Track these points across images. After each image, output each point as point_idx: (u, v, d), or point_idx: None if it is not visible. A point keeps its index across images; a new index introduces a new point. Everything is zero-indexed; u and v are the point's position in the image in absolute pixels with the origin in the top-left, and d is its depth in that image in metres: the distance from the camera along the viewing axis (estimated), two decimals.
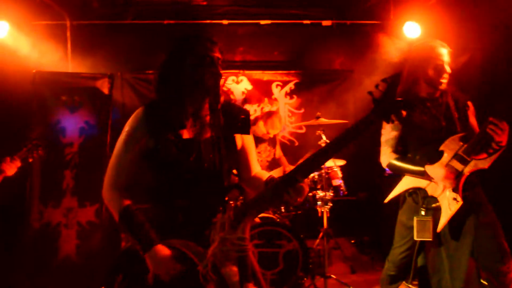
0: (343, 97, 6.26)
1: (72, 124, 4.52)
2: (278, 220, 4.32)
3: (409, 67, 2.87)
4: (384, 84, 1.59)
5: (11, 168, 3.41)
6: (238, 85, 6.32)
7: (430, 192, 2.80)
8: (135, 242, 1.93)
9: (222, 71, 2.00)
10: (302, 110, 6.39)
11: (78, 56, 5.62)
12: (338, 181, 4.70)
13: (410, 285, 3.09)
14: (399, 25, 5.49)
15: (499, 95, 4.36)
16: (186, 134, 2.00)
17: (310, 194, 4.61)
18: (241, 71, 6.32)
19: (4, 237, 4.49)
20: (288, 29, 6.24)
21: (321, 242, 4.76)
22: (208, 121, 1.99)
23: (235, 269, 1.85)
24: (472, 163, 2.71)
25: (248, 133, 2.12)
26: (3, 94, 4.87)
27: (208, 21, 6.03)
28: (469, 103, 2.91)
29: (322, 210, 4.55)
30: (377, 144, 3.04)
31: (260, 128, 4.93)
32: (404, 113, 1.59)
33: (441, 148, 2.78)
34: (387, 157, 2.93)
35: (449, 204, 2.70)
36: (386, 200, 2.98)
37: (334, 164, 4.77)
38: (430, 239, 2.75)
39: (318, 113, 4.57)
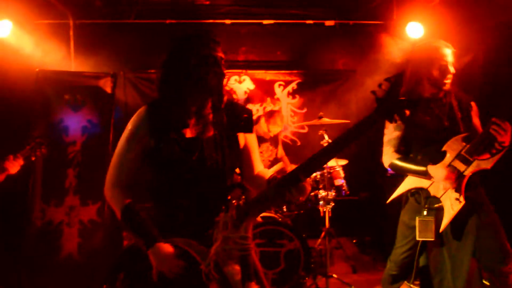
0: (346, 97, 6.27)
1: (75, 123, 4.52)
2: (280, 219, 4.33)
3: (413, 68, 2.87)
4: (387, 84, 1.58)
5: (14, 166, 3.42)
6: (240, 84, 6.33)
7: (432, 192, 2.80)
8: (138, 239, 1.93)
9: (225, 71, 2.01)
10: (305, 110, 6.40)
11: (81, 55, 5.64)
12: (340, 181, 4.71)
13: (411, 285, 3.09)
14: (402, 26, 5.48)
15: (501, 96, 4.36)
16: (189, 133, 2.00)
17: (312, 193, 4.61)
18: (244, 71, 6.33)
19: (6, 235, 4.50)
20: (291, 29, 6.24)
21: (323, 242, 4.76)
22: (211, 120, 2.00)
23: (237, 268, 1.85)
24: (475, 164, 2.71)
25: (251, 131, 2.12)
26: (6, 92, 4.88)
27: (210, 21, 6.03)
28: (473, 103, 2.91)
29: (324, 209, 4.56)
30: (380, 144, 3.04)
31: (262, 126, 4.94)
32: (407, 112, 1.59)
33: (444, 148, 2.77)
34: (389, 157, 2.93)
35: (451, 204, 2.70)
36: (389, 200, 2.98)
37: (336, 164, 4.77)
38: (432, 239, 2.75)
39: (321, 113, 4.57)
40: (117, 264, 2.02)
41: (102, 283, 2.00)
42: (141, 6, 5.92)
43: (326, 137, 4.56)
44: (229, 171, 1.92)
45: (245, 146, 2.13)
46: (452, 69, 2.81)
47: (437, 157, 2.77)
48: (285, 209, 4.65)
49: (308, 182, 1.78)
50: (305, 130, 6.39)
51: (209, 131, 2.00)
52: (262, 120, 4.99)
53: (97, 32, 5.86)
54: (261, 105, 6.33)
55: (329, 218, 4.63)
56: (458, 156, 2.72)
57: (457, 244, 2.77)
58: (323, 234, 4.75)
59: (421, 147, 2.88)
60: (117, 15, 5.93)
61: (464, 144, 2.74)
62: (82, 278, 4.19)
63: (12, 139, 4.15)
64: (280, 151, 5.21)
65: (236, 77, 6.33)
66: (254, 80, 6.35)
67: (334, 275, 4.32)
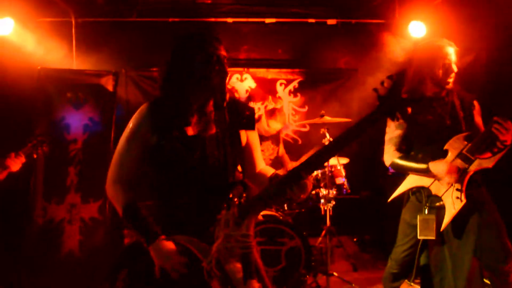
0: (347, 96, 6.26)
1: (76, 120, 4.52)
2: (281, 217, 4.33)
3: (416, 66, 2.86)
4: (389, 81, 1.58)
5: (16, 164, 3.42)
6: (242, 83, 6.33)
7: (434, 191, 2.80)
8: (139, 236, 1.93)
9: (228, 70, 2.01)
10: (306, 109, 6.39)
11: (83, 53, 5.64)
12: (341, 180, 4.71)
13: (412, 284, 3.09)
14: (404, 24, 5.47)
15: (504, 95, 4.35)
16: (190, 131, 2.00)
17: (313, 192, 4.61)
18: (245, 69, 6.32)
19: (7, 233, 4.51)
20: (293, 28, 6.23)
21: (323, 240, 4.76)
22: (213, 118, 1.99)
23: (239, 265, 1.85)
24: (476, 162, 2.71)
25: (253, 128, 2.12)
26: (8, 90, 4.89)
27: (212, 19, 6.03)
28: (475, 102, 2.90)
29: (325, 208, 4.56)
30: (381, 143, 3.04)
31: (263, 124, 4.94)
32: (409, 110, 1.59)
33: (446, 147, 2.77)
34: (390, 156, 2.93)
35: (452, 203, 2.70)
36: (390, 199, 2.98)
37: (338, 162, 4.77)
38: (433, 238, 2.75)
39: (322, 111, 4.56)
40: (119, 262, 2.02)
41: (103, 281, 2.01)
42: (143, 4, 5.92)
43: (327, 135, 4.56)
44: (231, 168, 1.92)
45: (247, 143, 2.13)
46: (455, 68, 2.81)
47: (439, 156, 2.77)
48: (286, 208, 4.65)
49: (310, 179, 1.78)
50: (307, 129, 6.39)
51: (211, 129, 2.00)
52: (263, 118, 4.99)
53: (99, 30, 5.86)
54: (262, 104, 6.32)
55: (330, 216, 4.63)
56: (460, 155, 2.73)
57: (458, 242, 2.77)
58: (324, 232, 4.76)
59: (422, 146, 2.87)
60: (119, 13, 5.92)
61: (466, 143, 2.74)
62: (83, 276, 4.20)
63: (14, 136, 4.16)
64: (281, 150, 5.21)
65: (237, 75, 6.32)
66: (256, 79, 6.35)
67: (335, 273, 4.33)
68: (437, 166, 2.72)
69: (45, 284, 4.16)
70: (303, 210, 4.84)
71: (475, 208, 2.75)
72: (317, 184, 4.64)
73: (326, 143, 4.46)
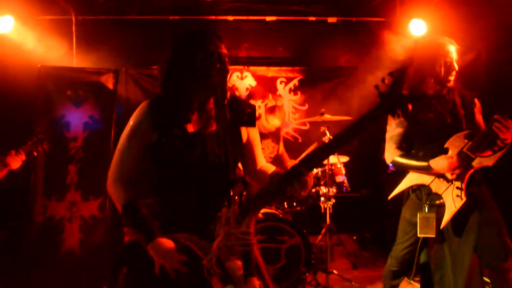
0: (348, 94, 6.26)
1: (76, 118, 4.51)
2: (281, 215, 4.33)
3: (417, 64, 2.86)
4: (390, 78, 1.58)
5: (16, 162, 3.42)
6: (242, 81, 6.33)
7: (434, 189, 2.80)
8: (138, 234, 1.93)
9: (229, 67, 2.01)
10: (306, 107, 6.39)
11: (83, 51, 5.63)
12: (341, 178, 4.71)
13: (412, 281, 3.09)
14: (404, 23, 5.47)
15: (504, 94, 4.36)
16: (191, 128, 2.00)
17: (313, 190, 4.61)
18: (246, 67, 6.32)
19: (7, 231, 4.51)
20: (293, 26, 6.23)
21: (323, 238, 4.77)
22: (213, 115, 1.99)
23: (239, 263, 1.85)
24: (477, 161, 2.71)
25: (254, 125, 2.11)
26: (8, 88, 4.89)
27: (212, 17, 6.03)
28: (476, 100, 2.90)
29: (325, 206, 4.56)
30: (381, 141, 3.03)
31: (263, 121, 4.94)
32: (410, 107, 1.59)
33: (446, 145, 2.77)
34: (391, 154, 2.93)
35: (453, 201, 2.70)
36: (390, 197, 2.99)
37: (338, 160, 4.77)
38: (433, 236, 2.76)
39: (323, 110, 4.56)
40: (119, 259, 2.02)
41: (104, 278, 2.01)
42: (143, 2, 5.92)
43: (328, 133, 4.57)
44: (232, 166, 1.92)
45: (248, 140, 2.13)
46: (456, 66, 2.80)
47: (439, 154, 2.77)
48: (286, 206, 4.66)
49: (310, 176, 1.78)
50: (307, 127, 6.39)
51: (212, 126, 2.00)
52: (263, 114, 4.99)
53: (99, 28, 5.85)
54: (262, 102, 6.32)
55: (330, 214, 4.64)
56: (460, 153, 2.72)
57: (458, 240, 2.77)
58: (323, 230, 4.76)
59: (423, 144, 2.87)
60: (120, 11, 5.92)
61: (466, 141, 2.74)
62: (83, 274, 4.20)
63: (14, 134, 4.16)
64: (281, 148, 5.21)
65: (238, 73, 6.32)
66: (256, 77, 6.35)
67: (335, 271, 4.34)
68: (438, 162, 2.72)
69: (45, 282, 4.15)
70: (303, 208, 4.84)
71: (475, 206, 2.75)
72: (317, 182, 4.64)
73: (327, 141, 4.45)
